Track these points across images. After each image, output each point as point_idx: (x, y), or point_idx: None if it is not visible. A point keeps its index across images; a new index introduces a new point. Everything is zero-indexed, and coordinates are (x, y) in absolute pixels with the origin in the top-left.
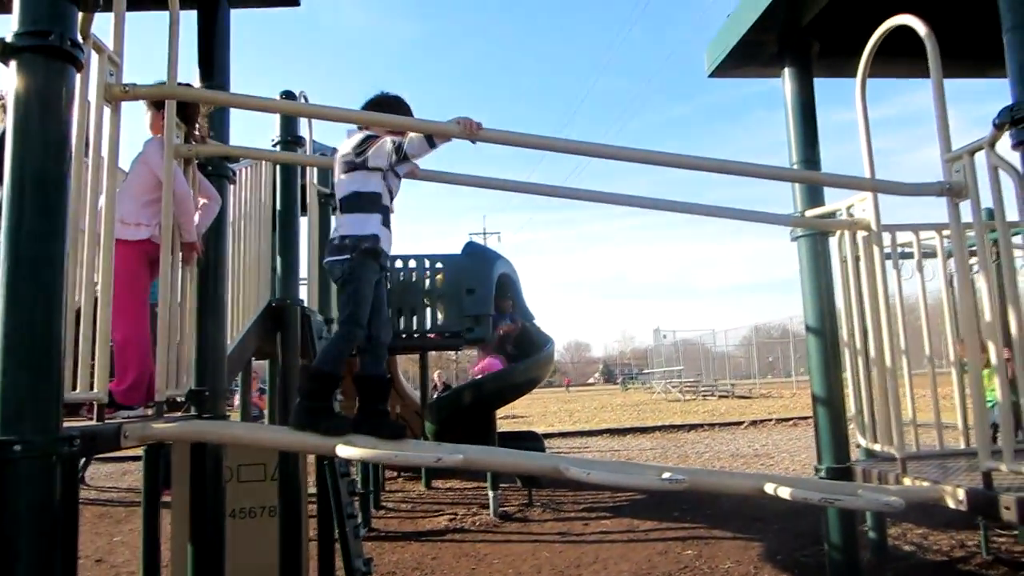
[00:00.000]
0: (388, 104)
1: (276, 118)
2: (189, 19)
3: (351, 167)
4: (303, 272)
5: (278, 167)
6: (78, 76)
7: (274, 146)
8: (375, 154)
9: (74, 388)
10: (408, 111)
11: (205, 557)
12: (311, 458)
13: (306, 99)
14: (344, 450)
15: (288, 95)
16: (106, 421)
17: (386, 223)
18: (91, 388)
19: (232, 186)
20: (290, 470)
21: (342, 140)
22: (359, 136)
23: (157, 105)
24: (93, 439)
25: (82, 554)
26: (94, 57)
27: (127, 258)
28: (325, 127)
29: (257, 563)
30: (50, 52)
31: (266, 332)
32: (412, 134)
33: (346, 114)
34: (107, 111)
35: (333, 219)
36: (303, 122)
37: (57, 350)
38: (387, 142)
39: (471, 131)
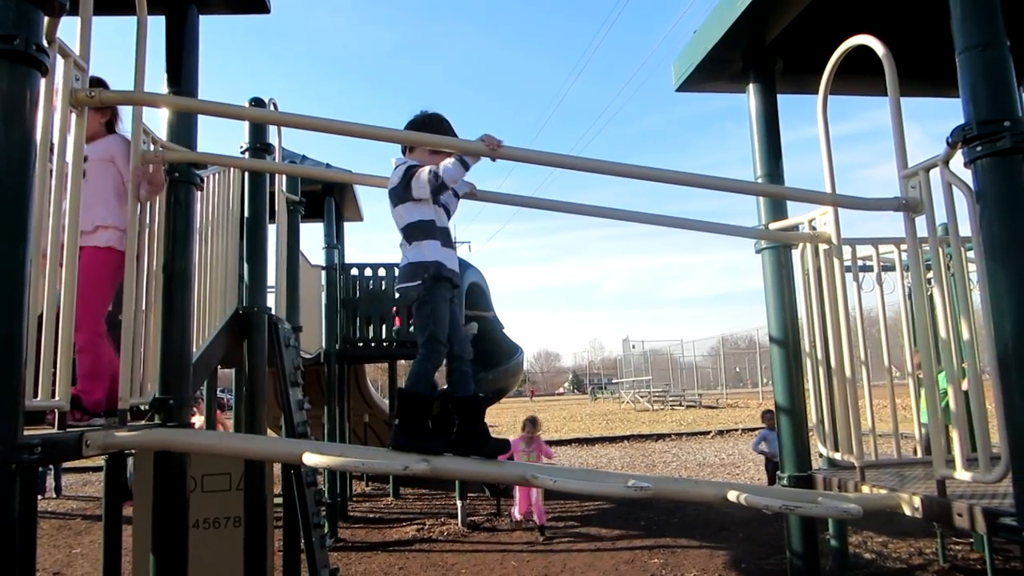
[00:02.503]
0: (429, 124)
1: (245, 125)
2: (157, 24)
3: (400, 199)
4: (271, 280)
5: (246, 174)
6: (43, 81)
7: (243, 153)
8: (416, 186)
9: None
10: (449, 129)
11: (168, 568)
12: (277, 468)
13: (275, 107)
14: (310, 458)
15: (257, 102)
16: (67, 429)
17: (446, 244)
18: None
19: (199, 192)
20: (256, 480)
21: (388, 169)
22: (402, 168)
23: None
24: (54, 447)
25: (40, 567)
26: (60, 62)
27: (109, 264)
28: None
29: (222, 573)
30: (14, 56)
31: (233, 340)
32: (447, 160)
33: (316, 122)
34: (72, 116)
35: (302, 226)
36: (272, 129)
37: (18, 357)
38: (424, 172)
39: (493, 149)
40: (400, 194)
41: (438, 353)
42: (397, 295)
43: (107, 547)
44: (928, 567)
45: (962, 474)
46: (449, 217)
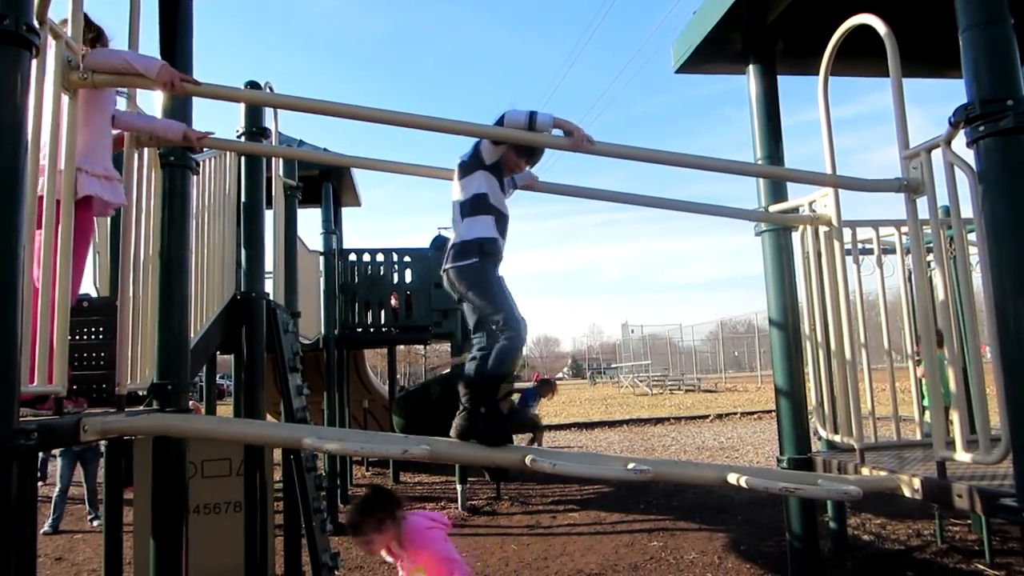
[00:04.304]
0: None
1: (241, 109)
2: (150, 6)
3: (464, 171)
4: (269, 266)
5: (243, 158)
6: (34, 62)
7: (239, 137)
8: (483, 146)
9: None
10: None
11: (167, 553)
12: (277, 454)
13: (271, 90)
14: (310, 442)
15: (253, 85)
16: (64, 414)
17: (501, 230)
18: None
19: (195, 177)
20: (256, 465)
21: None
22: (472, 143)
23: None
24: (51, 433)
25: (41, 552)
26: (51, 43)
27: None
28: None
29: (223, 559)
30: (5, 37)
31: (231, 326)
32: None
33: (318, 105)
34: (65, 99)
35: (300, 212)
36: (268, 113)
37: (13, 342)
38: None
39: (579, 143)
40: (465, 164)
41: (518, 332)
42: (444, 278)
43: (108, 532)
44: (926, 548)
45: (962, 455)
46: (503, 205)
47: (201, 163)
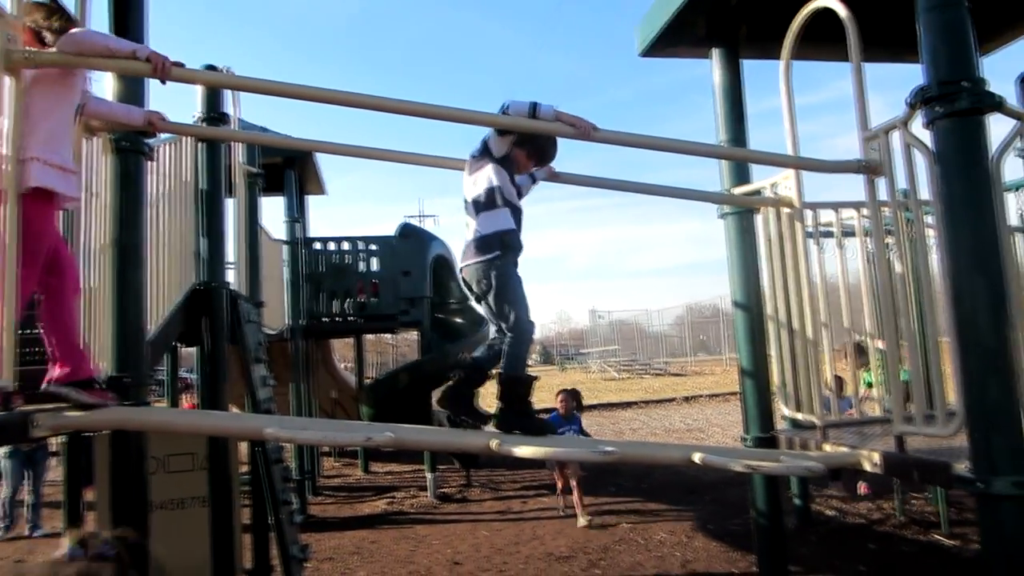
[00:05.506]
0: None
1: (198, 94)
2: None
3: (475, 166)
4: (231, 256)
5: (202, 145)
6: None
7: (199, 123)
8: (492, 137)
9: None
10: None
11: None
12: (244, 446)
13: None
14: (272, 432)
15: (211, 68)
16: (13, 409)
17: (517, 223)
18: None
19: (151, 164)
20: (220, 458)
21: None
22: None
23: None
24: None
25: (2, 554)
26: None
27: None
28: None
29: (189, 554)
30: None
31: (193, 317)
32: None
33: (299, 90)
34: (8, 81)
35: (263, 201)
36: (228, 99)
37: None
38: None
39: (584, 132)
40: (475, 158)
41: (529, 333)
42: (462, 276)
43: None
44: (886, 522)
45: (920, 429)
46: (520, 198)
47: (156, 149)
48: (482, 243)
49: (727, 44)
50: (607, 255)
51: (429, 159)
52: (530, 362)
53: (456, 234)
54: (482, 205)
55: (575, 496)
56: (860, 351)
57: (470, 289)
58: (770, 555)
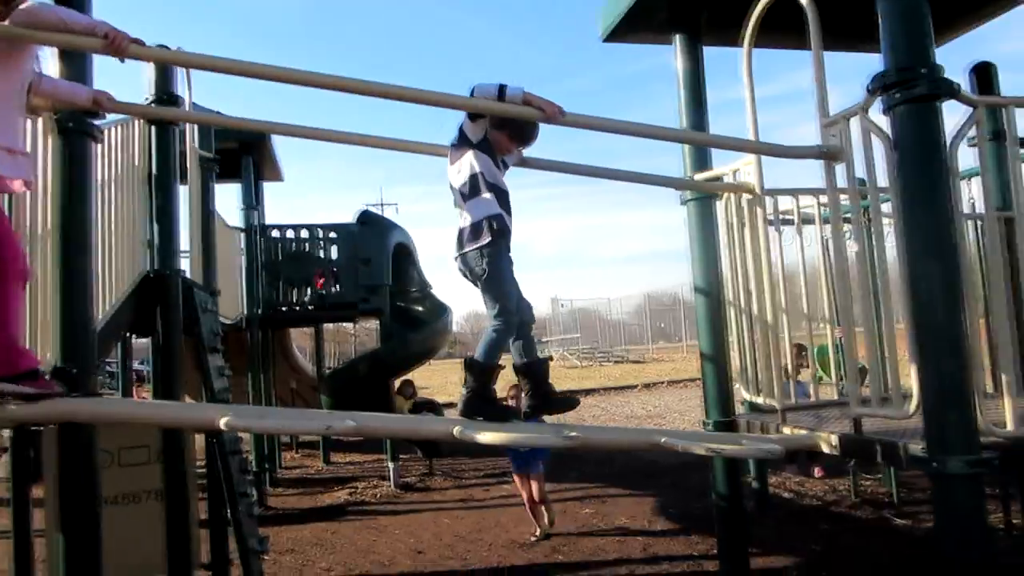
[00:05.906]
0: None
1: (148, 74)
2: None
3: (456, 154)
4: (185, 244)
5: (153, 127)
6: None
7: (149, 105)
8: (466, 122)
9: None
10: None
11: (78, 548)
12: (201, 438)
13: None
14: (227, 422)
15: (161, 47)
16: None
17: (504, 206)
18: None
19: (98, 147)
20: (175, 450)
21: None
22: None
23: None
24: None
25: None
26: None
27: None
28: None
29: (144, 550)
30: None
31: (143, 305)
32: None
33: (234, 65)
34: None
35: (219, 187)
36: (180, 79)
37: None
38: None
39: (552, 116)
40: (454, 146)
41: (511, 324)
42: (458, 263)
43: (16, 531)
44: (841, 502)
45: (876, 410)
46: (500, 183)
47: (104, 131)
48: (473, 230)
49: (689, 30)
50: (572, 243)
51: (393, 143)
52: None
53: (419, 222)
54: (468, 193)
55: (538, 499)
56: (800, 351)
57: (466, 277)
58: (730, 538)
